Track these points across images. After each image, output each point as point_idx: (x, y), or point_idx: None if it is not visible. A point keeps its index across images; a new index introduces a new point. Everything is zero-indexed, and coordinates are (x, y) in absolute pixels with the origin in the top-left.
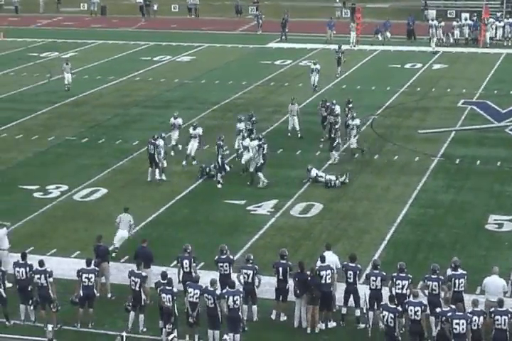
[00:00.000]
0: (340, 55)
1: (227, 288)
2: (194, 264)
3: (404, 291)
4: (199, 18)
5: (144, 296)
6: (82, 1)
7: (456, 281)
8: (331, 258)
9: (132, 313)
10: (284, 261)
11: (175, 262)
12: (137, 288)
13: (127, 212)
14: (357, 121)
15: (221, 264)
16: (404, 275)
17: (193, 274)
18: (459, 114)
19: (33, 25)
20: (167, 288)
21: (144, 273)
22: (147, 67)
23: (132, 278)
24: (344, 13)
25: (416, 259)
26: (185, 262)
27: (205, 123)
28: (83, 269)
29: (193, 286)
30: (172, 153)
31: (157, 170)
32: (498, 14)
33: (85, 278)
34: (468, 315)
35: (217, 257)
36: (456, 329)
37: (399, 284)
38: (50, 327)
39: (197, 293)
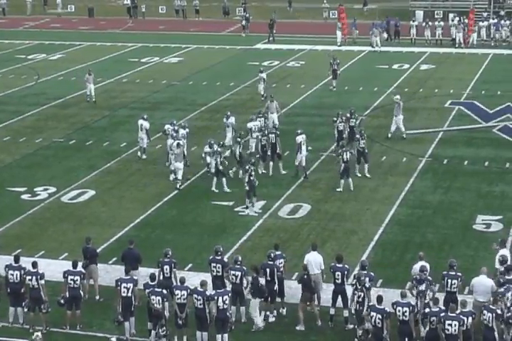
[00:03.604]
0: (336, 67)
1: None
2: (175, 269)
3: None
4: (186, 20)
5: (134, 301)
6: (70, 2)
7: (449, 281)
8: (316, 258)
9: (127, 323)
10: (271, 262)
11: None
12: (129, 294)
13: (179, 147)
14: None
15: (214, 264)
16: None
17: (173, 280)
18: (446, 114)
19: (20, 27)
20: (156, 290)
21: (135, 277)
22: (135, 68)
23: (124, 284)
24: (332, 14)
25: (404, 260)
26: (166, 267)
27: (192, 124)
28: (69, 271)
29: (179, 288)
30: (144, 156)
31: (224, 179)
32: (485, 14)
33: (71, 279)
34: (461, 316)
35: (211, 257)
36: (448, 330)
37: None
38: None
39: (184, 294)
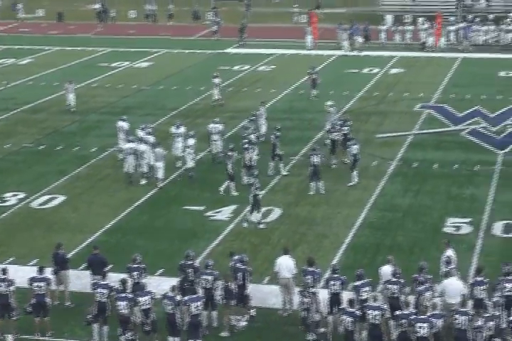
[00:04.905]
0: (315, 76)
1: (190, 294)
2: (144, 275)
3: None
4: (157, 24)
5: (108, 307)
6: (39, 7)
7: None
8: (288, 262)
9: (95, 325)
10: (243, 267)
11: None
12: (104, 299)
13: (159, 147)
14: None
15: (185, 269)
16: (365, 281)
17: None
18: (416, 118)
19: None
20: (122, 295)
21: (111, 283)
22: (105, 73)
23: (99, 289)
24: (301, 19)
25: (375, 263)
26: (135, 273)
27: (163, 129)
28: (34, 277)
29: (141, 294)
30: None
31: (232, 184)
32: (452, 18)
33: (36, 286)
34: (431, 319)
35: (182, 262)
36: (419, 332)
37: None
38: (10, 336)
39: (146, 300)
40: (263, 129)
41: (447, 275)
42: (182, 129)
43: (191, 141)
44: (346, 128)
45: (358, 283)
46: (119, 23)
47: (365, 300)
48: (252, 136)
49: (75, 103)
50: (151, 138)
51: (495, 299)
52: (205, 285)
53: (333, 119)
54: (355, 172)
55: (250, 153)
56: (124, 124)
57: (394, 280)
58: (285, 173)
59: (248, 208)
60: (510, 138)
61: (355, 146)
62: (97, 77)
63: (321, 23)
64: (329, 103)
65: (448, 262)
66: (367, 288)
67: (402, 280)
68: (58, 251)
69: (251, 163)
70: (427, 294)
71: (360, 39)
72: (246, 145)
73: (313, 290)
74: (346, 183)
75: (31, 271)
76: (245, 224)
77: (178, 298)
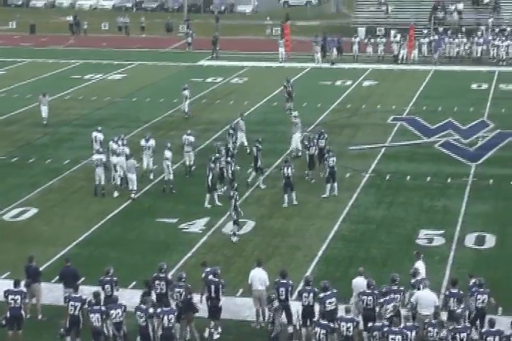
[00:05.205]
0: (291, 89)
1: (163, 307)
2: (116, 288)
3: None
4: (129, 36)
5: (81, 320)
6: (11, 19)
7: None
8: (261, 274)
9: (68, 339)
10: (216, 279)
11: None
12: (76, 312)
13: (131, 158)
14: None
15: (158, 282)
16: (330, 292)
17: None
18: (388, 130)
19: None
20: (95, 307)
21: (84, 296)
22: (78, 85)
23: (71, 302)
24: (274, 31)
25: (348, 275)
26: (107, 286)
27: (136, 140)
28: (9, 290)
29: (113, 307)
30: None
31: (208, 196)
32: (425, 31)
33: (11, 299)
34: (404, 330)
35: (155, 274)
36: None
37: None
38: None
39: (119, 313)
40: (244, 142)
41: (414, 286)
42: (151, 142)
43: (168, 153)
44: (323, 141)
45: (322, 294)
46: (91, 35)
47: (332, 312)
48: (223, 149)
49: (47, 115)
50: (127, 149)
51: (459, 310)
52: (178, 297)
53: (299, 130)
54: (334, 185)
55: (232, 166)
56: (99, 135)
57: (368, 291)
58: (263, 187)
59: (222, 220)
60: (482, 151)
61: (332, 159)
62: (70, 90)
63: (295, 36)
64: (295, 114)
65: (415, 273)
66: (332, 300)
67: (377, 292)
68: (30, 263)
69: (233, 177)
70: (389, 306)
71: (335, 51)
72: (229, 159)
73: (276, 304)
74: (320, 195)
75: (3, 284)
76: (235, 239)
77: (151, 310)
